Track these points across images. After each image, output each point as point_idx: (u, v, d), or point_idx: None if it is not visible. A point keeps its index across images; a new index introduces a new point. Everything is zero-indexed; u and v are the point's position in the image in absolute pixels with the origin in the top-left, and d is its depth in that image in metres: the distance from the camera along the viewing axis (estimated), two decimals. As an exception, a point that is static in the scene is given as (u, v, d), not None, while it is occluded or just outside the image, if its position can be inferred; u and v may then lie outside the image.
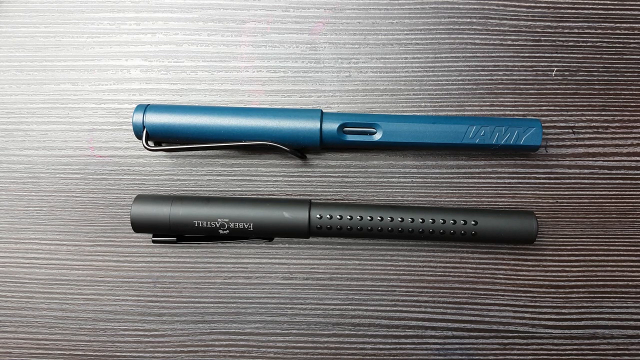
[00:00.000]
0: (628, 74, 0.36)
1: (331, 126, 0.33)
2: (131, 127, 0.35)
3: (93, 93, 0.36)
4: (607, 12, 0.36)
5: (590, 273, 0.35)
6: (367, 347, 0.35)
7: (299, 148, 0.34)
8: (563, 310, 0.35)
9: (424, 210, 0.32)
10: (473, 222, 0.32)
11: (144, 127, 0.33)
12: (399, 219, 0.32)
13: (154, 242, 0.34)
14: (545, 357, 0.35)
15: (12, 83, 0.37)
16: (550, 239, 0.35)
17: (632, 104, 0.35)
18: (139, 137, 0.33)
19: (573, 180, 0.35)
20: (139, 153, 0.36)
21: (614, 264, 0.35)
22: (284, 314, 0.35)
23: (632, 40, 0.36)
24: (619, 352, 0.35)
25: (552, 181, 0.35)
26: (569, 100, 0.36)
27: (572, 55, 0.36)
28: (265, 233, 0.33)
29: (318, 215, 0.32)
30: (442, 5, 0.36)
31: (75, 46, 0.36)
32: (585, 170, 0.35)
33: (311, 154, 0.36)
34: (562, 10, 0.36)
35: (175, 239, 0.34)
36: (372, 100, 0.36)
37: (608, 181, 0.35)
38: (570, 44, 0.36)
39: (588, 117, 0.36)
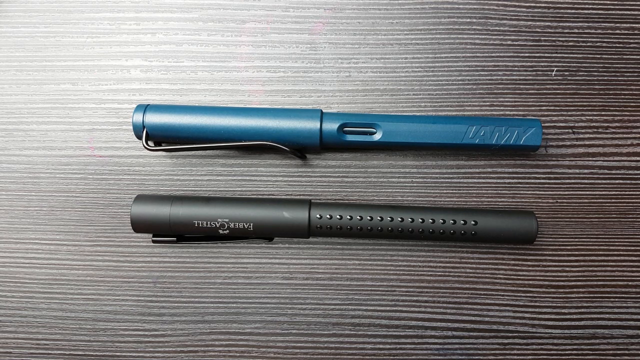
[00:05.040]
0: (628, 74, 0.36)
1: (331, 126, 0.33)
2: (131, 127, 0.35)
3: (93, 93, 0.36)
4: (607, 12, 0.36)
5: (590, 273, 0.35)
6: (367, 347, 0.35)
7: (299, 148, 0.34)
8: (563, 310, 0.35)
9: (424, 210, 0.32)
10: (473, 222, 0.32)
11: (144, 127, 0.33)
12: (399, 219, 0.32)
13: (154, 242, 0.34)
14: (545, 357, 0.35)
15: (12, 83, 0.37)
16: (550, 239, 0.35)
17: (632, 104, 0.35)
18: (139, 137, 0.33)
19: (573, 180, 0.35)
20: (139, 153, 0.36)
21: (614, 264, 0.35)
22: (284, 314, 0.35)
23: (632, 40, 0.36)
24: (619, 352, 0.35)
25: (552, 181, 0.35)
26: (569, 100, 0.36)
27: (572, 55, 0.36)
28: (265, 233, 0.33)
29: (318, 215, 0.32)
30: (442, 5, 0.36)
31: (75, 46, 0.36)
32: (585, 170, 0.35)
33: (311, 154, 0.36)
34: (562, 10, 0.36)
35: (175, 239, 0.34)
36: (372, 100, 0.36)
37: (608, 181, 0.35)
38: (570, 44, 0.36)
39: (588, 117, 0.36)
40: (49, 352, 0.36)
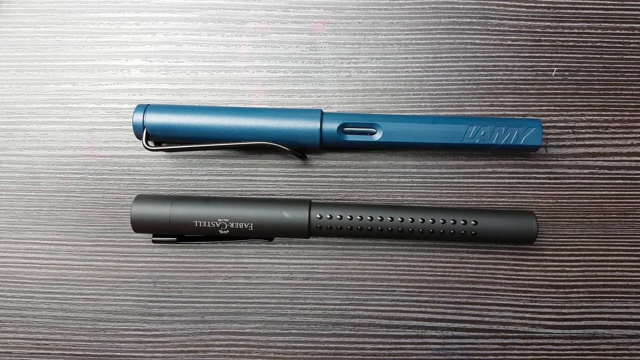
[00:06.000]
0: (628, 74, 0.36)
1: (331, 126, 0.33)
2: (131, 127, 0.35)
3: (93, 93, 0.36)
4: (607, 12, 0.36)
5: (590, 273, 0.35)
6: (367, 347, 0.35)
7: (299, 148, 0.34)
8: (563, 310, 0.35)
9: (424, 210, 0.32)
10: (473, 222, 0.32)
11: (144, 127, 0.33)
12: (399, 219, 0.32)
13: (154, 242, 0.34)
14: (545, 357, 0.35)
15: (12, 83, 0.37)
16: (550, 239, 0.35)
17: (632, 104, 0.35)
18: (139, 137, 0.33)
19: (573, 180, 0.35)
20: (139, 153, 0.36)
21: (614, 264, 0.35)
22: (284, 314, 0.35)
23: (632, 40, 0.36)
24: (619, 352, 0.35)
25: (552, 181, 0.35)
26: (569, 100, 0.36)
27: (572, 55, 0.36)
28: (265, 233, 0.33)
29: (318, 215, 0.32)
30: (442, 5, 0.36)
31: (75, 46, 0.36)
32: (585, 170, 0.35)
33: (311, 154, 0.36)
34: (562, 10, 0.36)
35: (175, 239, 0.34)
36: (372, 100, 0.36)
37: (608, 181, 0.35)
38: (570, 44, 0.36)
39: (588, 117, 0.36)
40: (49, 352, 0.36)
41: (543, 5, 0.36)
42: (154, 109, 0.33)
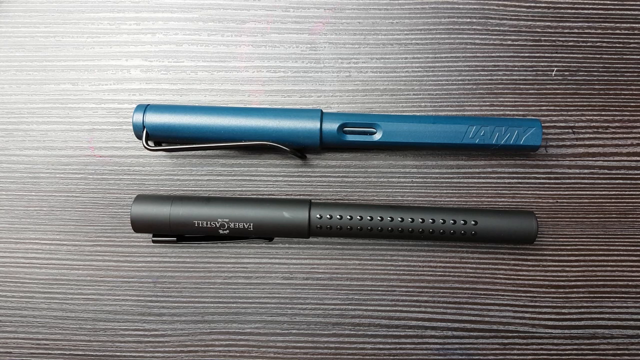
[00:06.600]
0: (628, 74, 0.36)
1: (331, 126, 0.33)
2: (131, 127, 0.35)
3: (93, 93, 0.36)
4: (607, 12, 0.36)
5: (590, 273, 0.35)
6: (367, 347, 0.35)
7: (299, 148, 0.34)
8: (563, 310, 0.35)
9: (424, 210, 0.32)
10: (473, 222, 0.32)
11: (144, 127, 0.33)
12: (399, 219, 0.32)
13: (154, 242, 0.34)
14: (545, 357, 0.35)
15: (12, 83, 0.37)
16: (550, 239, 0.35)
17: (632, 104, 0.35)
18: (139, 137, 0.33)
19: (573, 180, 0.35)
20: (139, 153, 0.36)
21: (614, 264, 0.35)
22: (284, 314, 0.35)
23: (632, 40, 0.36)
24: (619, 352, 0.35)
25: (552, 181, 0.35)
26: (569, 100, 0.36)
27: (572, 55, 0.36)
28: (265, 233, 0.33)
29: (318, 215, 0.32)
30: (442, 5, 0.36)
31: (75, 46, 0.36)
32: (585, 170, 0.35)
33: (311, 154, 0.36)
34: (562, 10, 0.36)
35: (175, 239, 0.34)
36: (372, 100, 0.36)
37: (608, 181, 0.35)
38: (570, 44, 0.36)
39: (588, 117, 0.36)
40: (49, 352, 0.36)
41: (543, 5, 0.36)
42: (154, 109, 0.33)
